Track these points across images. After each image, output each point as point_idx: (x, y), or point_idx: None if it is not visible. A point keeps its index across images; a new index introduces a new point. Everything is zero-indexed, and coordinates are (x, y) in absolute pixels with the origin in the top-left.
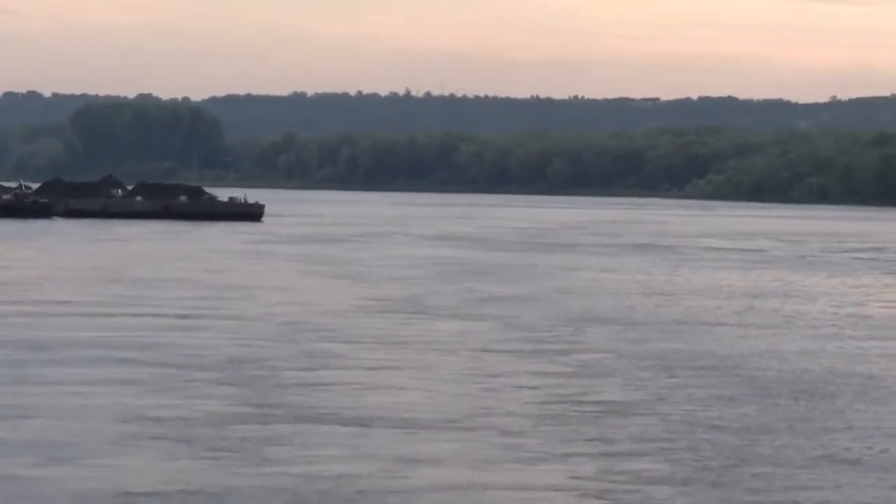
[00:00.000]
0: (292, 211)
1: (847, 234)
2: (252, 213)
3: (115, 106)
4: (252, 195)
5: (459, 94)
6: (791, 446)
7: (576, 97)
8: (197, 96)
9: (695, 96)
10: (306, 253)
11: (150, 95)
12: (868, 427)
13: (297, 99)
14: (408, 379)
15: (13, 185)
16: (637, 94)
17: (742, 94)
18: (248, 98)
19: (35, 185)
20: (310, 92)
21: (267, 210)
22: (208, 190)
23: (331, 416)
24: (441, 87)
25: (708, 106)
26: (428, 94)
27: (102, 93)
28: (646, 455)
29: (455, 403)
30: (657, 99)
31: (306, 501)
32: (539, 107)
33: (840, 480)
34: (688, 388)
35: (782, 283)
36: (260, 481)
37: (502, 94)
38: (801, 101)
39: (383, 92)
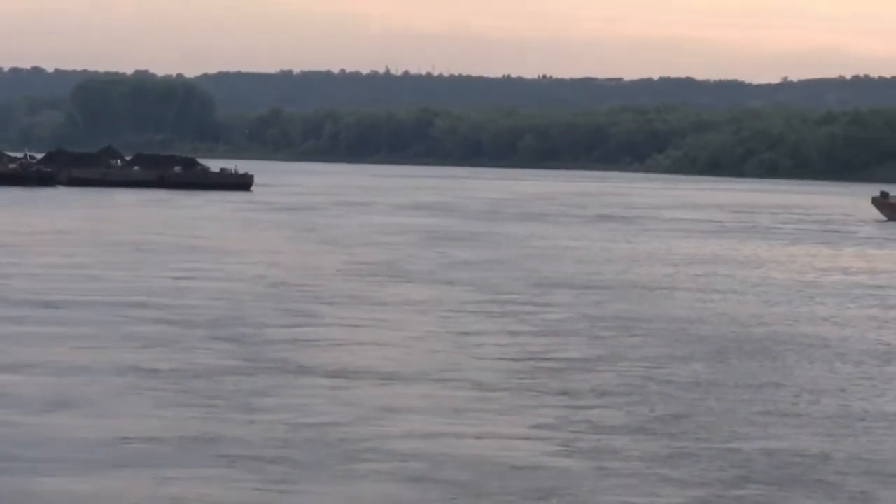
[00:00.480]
0: (279, 181)
1: (796, 206)
2: (242, 183)
3: (113, 81)
4: (242, 166)
5: (436, 73)
6: (738, 400)
7: (544, 77)
8: (190, 73)
9: (655, 77)
10: (292, 220)
11: (146, 72)
12: (810, 384)
13: (284, 76)
14: (386, 336)
15: (19, 154)
16: (601, 74)
17: (699, 75)
18: (238, 75)
19: (39, 155)
20: (296, 70)
21: (256, 180)
22: (201, 161)
23: (314, 369)
24: (418, 66)
25: (667, 86)
26: (406, 72)
27: (102, 69)
28: (604, 406)
29: (429, 358)
30: (620, 79)
31: (293, 446)
32: (510, 85)
33: (781, 432)
34: (644, 347)
35: (735, 252)
36: (249, 428)
37: (476, 74)
38: (754, 82)
39: (365, 70)
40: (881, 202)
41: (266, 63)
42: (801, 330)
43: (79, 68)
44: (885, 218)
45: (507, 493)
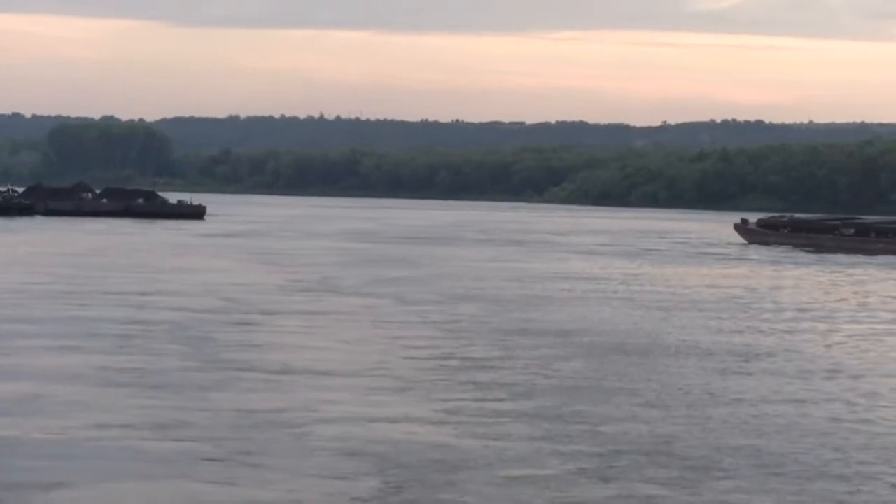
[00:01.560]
0: (228, 211)
1: (672, 231)
2: (196, 213)
3: (83, 125)
4: (196, 198)
5: (363, 118)
6: (613, 392)
7: (457, 120)
8: (150, 117)
9: (553, 120)
10: (239, 244)
11: (112, 117)
12: (677, 379)
13: (233, 120)
14: (320, 340)
15: (3, 189)
16: (506, 118)
17: (591, 118)
18: (192, 119)
19: (20, 189)
20: (243, 115)
21: (208, 210)
22: (161, 194)
23: (259, 367)
24: (348, 111)
25: (563, 128)
26: (338, 117)
27: (73, 114)
28: (501, 398)
29: (357, 358)
30: (523, 122)
31: (242, 427)
32: (428, 128)
33: (647, 417)
34: (537, 349)
35: (620, 270)
36: (204, 415)
37: (398, 118)
38: (638, 125)
39: (302, 115)
40: (741, 228)
41: (217, 109)
42: (674, 335)
43: (53, 114)
44: (744, 241)
45: (421, 465)
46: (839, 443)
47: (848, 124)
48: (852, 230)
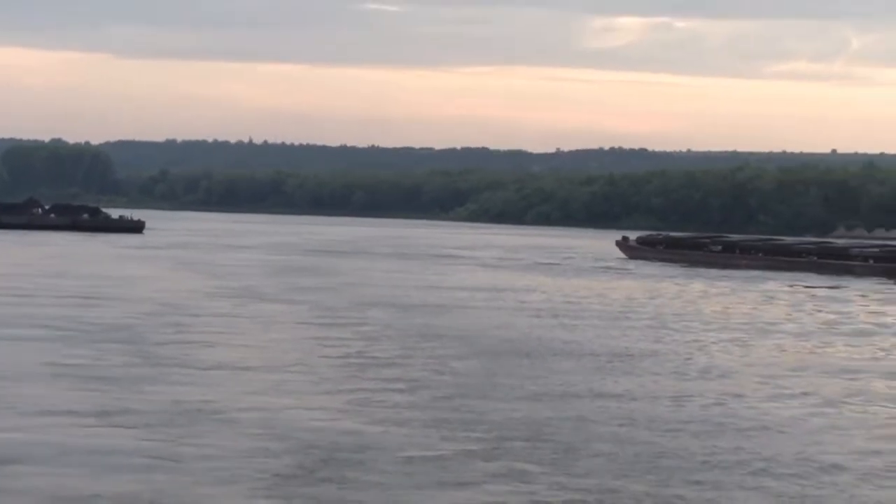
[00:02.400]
0: (165, 226)
1: (563, 247)
2: (136, 227)
3: (34, 147)
4: (136, 214)
5: (288, 142)
6: (502, 386)
7: (373, 146)
8: (96, 140)
9: (459, 147)
10: (173, 255)
11: (60, 140)
12: (561, 375)
13: (170, 144)
14: (244, 340)
15: None
16: (417, 144)
17: (492, 145)
18: (133, 142)
19: None
20: (179, 139)
21: (147, 225)
22: (104, 210)
23: (189, 363)
24: (275, 136)
25: (468, 154)
26: (265, 141)
27: (26, 137)
28: (402, 390)
29: (277, 356)
30: (432, 148)
31: (174, 414)
32: (346, 152)
33: (529, 407)
34: (437, 349)
35: (515, 281)
36: (141, 404)
37: (320, 143)
38: (534, 152)
39: (233, 140)
40: (622, 244)
41: (155, 133)
42: (560, 339)
43: (7, 136)
44: (625, 256)
45: (333, 448)
46: (697, 429)
47: (722, 152)
48: (720, 247)
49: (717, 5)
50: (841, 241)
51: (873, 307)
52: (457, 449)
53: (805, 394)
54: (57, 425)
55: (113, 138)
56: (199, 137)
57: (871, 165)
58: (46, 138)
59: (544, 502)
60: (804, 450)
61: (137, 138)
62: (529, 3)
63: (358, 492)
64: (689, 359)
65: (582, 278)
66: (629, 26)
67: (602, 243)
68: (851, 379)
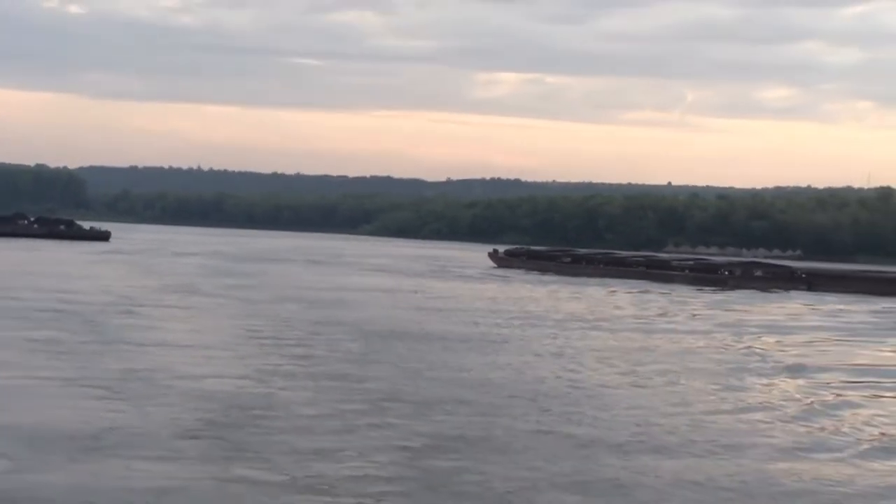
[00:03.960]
0: (126, 236)
1: (448, 257)
2: (103, 237)
3: (20, 171)
4: (103, 226)
5: (229, 169)
6: (381, 361)
7: (299, 173)
8: (72, 165)
9: (368, 175)
10: (131, 259)
11: (43, 165)
12: (429, 354)
13: (132, 169)
14: (183, 326)
15: None
16: (335, 172)
17: (395, 174)
18: (102, 167)
19: None
20: (140, 165)
21: (112, 236)
22: (78, 222)
23: (137, 342)
24: (218, 164)
25: (375, 181)
26: (211, 168)
27: (14, 162)
28: (303, 364)
29: (208, 337)
30: (346, 176)
31: (124, 380)
32: (276, 178)
33: (402, 377)
34: (334, 334)
35: (406, 283)
36: (95, 371)
37: (255, 170)
38: (429, 180)
39: (184, 167)
40: (493, 255)
41: (120, 160)
42: (437, 328)
43: None
44: (495, 265)
45: (246, 405)
46: (528, 390)
47: (579, 183)
48: (570, 259)
49: (579, 65)
50: (665, 255)
51: (678, 305)
52: (343, 407)
53: (621, 368)
54: (31, 387)
55: (86, 164)
56: (156, 164)
57: (695, 196)
58: (31, 163)
59: (404, 444)
60: (600, 399)
61: (105, 164)
62: (428, 61)
63: (263, 436)
64: (543, 343)
65: (458, 281)
66: (508, 80)
67: (479, 255)
68: (648, 352)
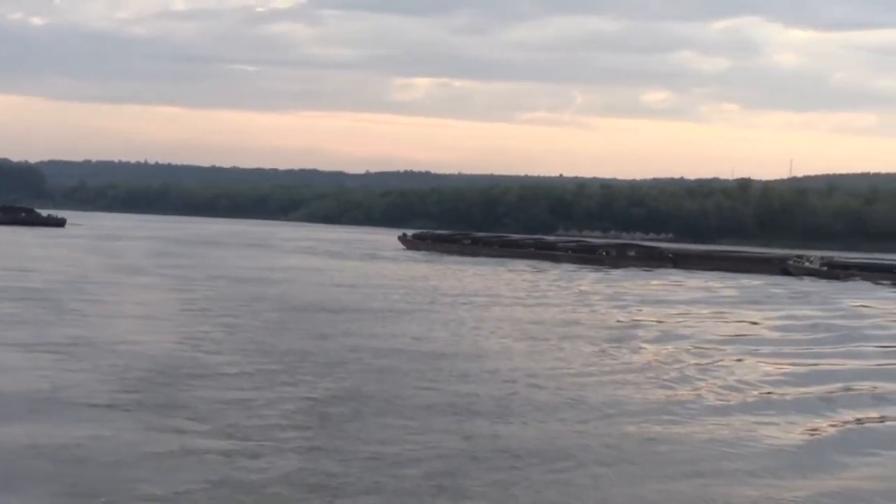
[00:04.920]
0: (81, 223)
1: (364, 240)
2: (59, 223)
3: None
4: (60, 214)
5: (174, 163)
6: (297, 330)
7: (235, 166)
8: (32, 160)
9: (297, 168)
10: (83, 243)
11: (7, 159)
12: (344, 323)
13: (87, 163)
14: (125, 298)
15: None
16: (267, 166)
17: (321, 167)
18: (60, 161)
19: None
20: (93, 159)
21: (68, 221)
22: (37, 210)
23: (86, 313)
24: (164, 158)
25: (303, 173)
26: (157, 162)
27: None
28: (229, 332)
29: (149, 309)
30: (277, 169)
31: (71, 345)
32: (216, 171)
33: (319, 343)
34: (259, 307)
35: (325, 263)
36: (48, 338)
37: (196, 164)
38: (350, 173)
39: (132, 160)
40: (402, 238)
41: (76, 155)
42: (352, 302)
43: None
44: (404, 247)
45: (177, 367)
46: (426, 355)
47: (482, 175)
48: (469, 241)
49: (483, 71)
50: (552, 238)
51: (561, 281)
52: (261, 368)
53: (509, 335)
54: None
55: (45, 158)
56: (108, 158)
57: (582, 186)
58: None
59: (309, 396)
60: (475, 352)
61: (63, 159)
62: (351, 68)
63: (190, 392)
64: (431, 313)
65: (371, 262)
66: (421, 84)
67: (391, 238)
68: (534, 323)
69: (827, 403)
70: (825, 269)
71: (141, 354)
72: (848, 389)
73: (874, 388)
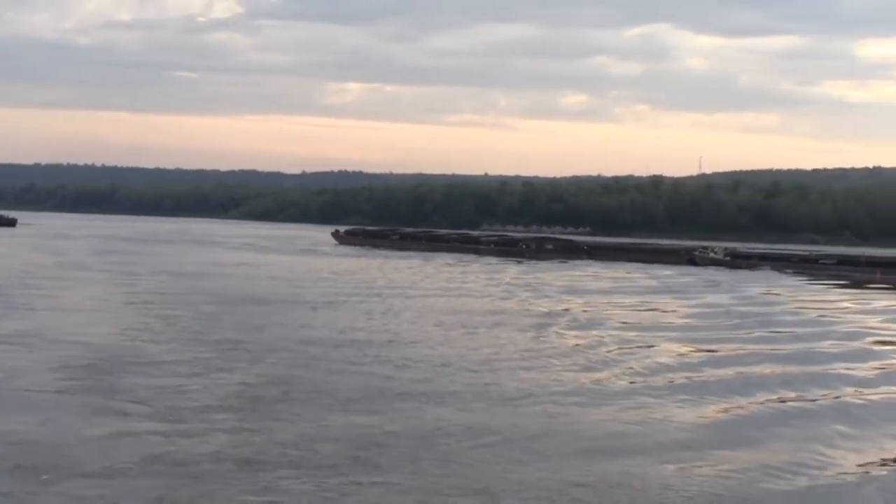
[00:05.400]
0: (31, 222)
1: (301, 236)
2: (10, 222)
3: None
4: (12, 214)
5: (120, 165)
6: (233, 321)
7: (178, 168)
8: None
9: (237, 169)
10: (33, 242)
11: None
12: (276, 315)
13: (37, 165)
14: (72, 294)
15: None
16: (209, 167)
17: (259, 168)
18: (11, 165)
19: None
20: (43, 162)
21: (19, 221)
22: None
23: (33, 307)
24: (112, 161)
25: (243, 174)
26: (104, 164)
27: None
28: (167, 323)
29: (92, 302)
30: (218, 170)
31: (19, 336)
32: (160, 172)
33: (250, 333)
34: (197, 299)
35: (263, 257)
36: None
37: (141, 166)
38: (288, 173)
39: (81, 163)
40: (335, 234)
41: (27, 159)
42: (283, 292)
43: None
44: (336, 243)
45: (116, 355)
46: (353, 342)
47: (412, 174)
48: (398, 236)
49: (412, 76)
50: (476, 233)
51: (483, 273)
52: (197, 356)
53: (435, 323)
54: None
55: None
56: (57, 161)
57: (505, 184)
58: None
59: (241, 380)
60: (387, 333)
61: (13, 162)
62: (287, 73)
63: (130, 378)
64: (361, 304)
65: (305, 256)
66: (354, 89)
67: (325, 235)
68: (456, 313)
69: (740, 385)
70: (728, 258)
71: (85, 345)
72: (757, 372)
73: (784, 370)
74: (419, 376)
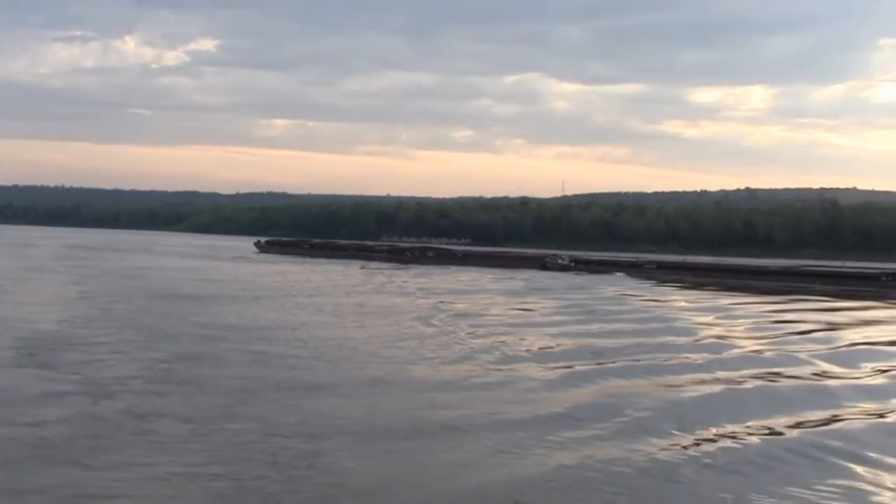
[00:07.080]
0: (7, 234)
1: (230, 246)
2: None
3: None
4: None
5: (84, 186)
6: (161, 312)
7: (133, 189)
8: None
9: (182, 190)
10: (5, 250)
11: None
12: (200, 308)
13: (14, 187)
14: (30, 289)
15: None
16: (158, 188)
17: (202, 189)
18: None
19: None
20: (20, 184)
21: None
22: None
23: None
24: (76, 182)
25: (187, 194)
26: (71, 186)
27: None
28: (106, 312)
29: (47, 297)
30: (166, 190)
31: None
32: (118, 193)
33: (173, 322)
34: (135, 295)
35: (195, 263)
36: None
37: (101, 187)
38: (225, 193)
39: (51, 185)
40: (257, 244)
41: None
42: (208, 290)
43: None
44: (258, 251)
45: (61, 339)
46: (257, 329)
47: (326, 195)
48: (308, 246)
49: (330, 114)
50: (371, 243)
51: (375, 276)
52: (125, 338)
53: (331, 315)
54: None
55: None
56: (32, 183)
57: (402, 203)
58: None
59: (158, 357)
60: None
61: None
62: (225, 111)
63: (69, 355)
64: (271, 300)
65: (230, 262)
66: (280, 124)
67: (250, 244)
68: (361, 315)
69: (592, 369)
70: (573, 264)
71: (36, 329)
72: (609, 359)
73: (636, 360)
74: (301, 353)
